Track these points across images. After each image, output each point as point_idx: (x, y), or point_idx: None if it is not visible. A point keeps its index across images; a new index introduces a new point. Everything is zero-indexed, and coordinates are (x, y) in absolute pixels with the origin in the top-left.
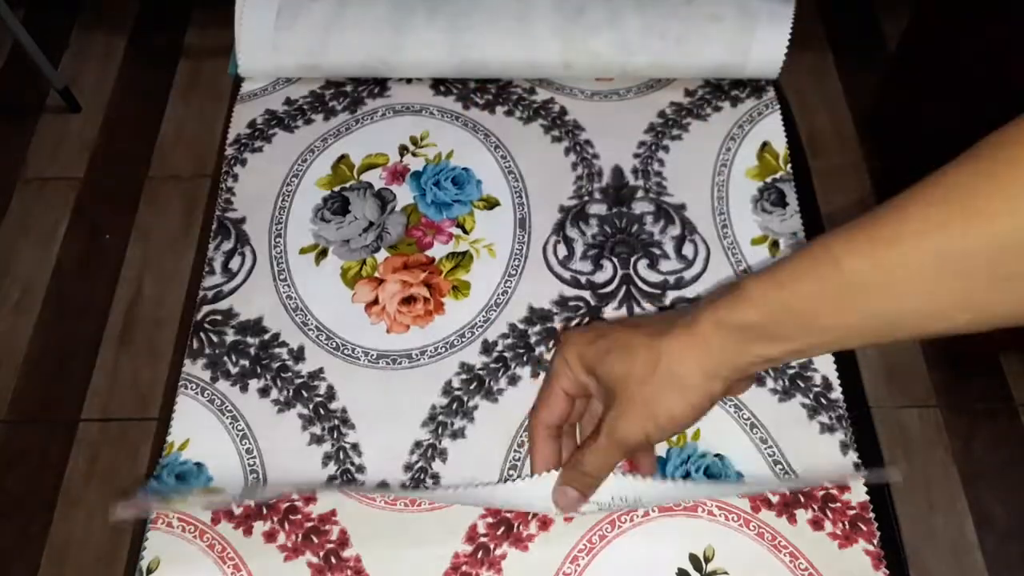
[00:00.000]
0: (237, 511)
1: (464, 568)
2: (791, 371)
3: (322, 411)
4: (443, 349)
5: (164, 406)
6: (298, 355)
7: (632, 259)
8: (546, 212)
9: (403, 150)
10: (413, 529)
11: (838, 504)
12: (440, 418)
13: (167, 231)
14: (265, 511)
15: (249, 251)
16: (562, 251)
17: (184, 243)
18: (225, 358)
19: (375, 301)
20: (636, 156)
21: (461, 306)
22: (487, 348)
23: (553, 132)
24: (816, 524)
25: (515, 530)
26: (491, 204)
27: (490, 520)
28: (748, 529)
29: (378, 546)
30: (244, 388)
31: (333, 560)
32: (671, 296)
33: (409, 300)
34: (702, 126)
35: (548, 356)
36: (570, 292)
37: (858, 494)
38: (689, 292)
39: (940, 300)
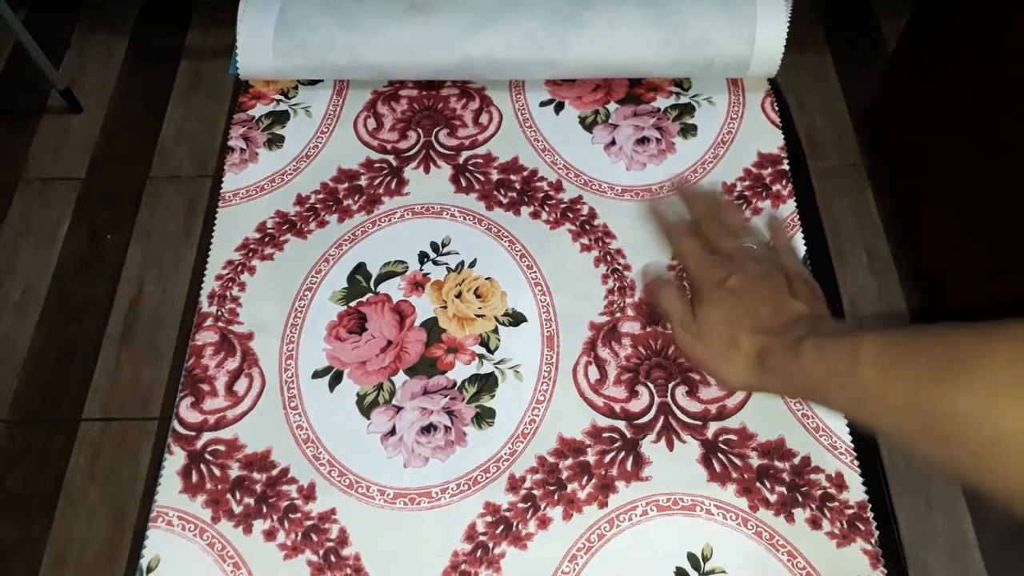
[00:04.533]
0: (237, 510)
1: (463, 567)
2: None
3: (333, 558)
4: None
5: (165, 405)
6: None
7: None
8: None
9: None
10: (412, 528)
11: (836, 503)
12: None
13: (168, 231)
14: (265, 510)
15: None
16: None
17: (185, 243)
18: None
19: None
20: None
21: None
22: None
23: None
24: (814, 523)
25: (514, 529)
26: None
27: (489, 519)
28: (746, 528)
29: (377, 545)
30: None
31: (332, 559)
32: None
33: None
34: None
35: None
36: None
37: (856, 493)
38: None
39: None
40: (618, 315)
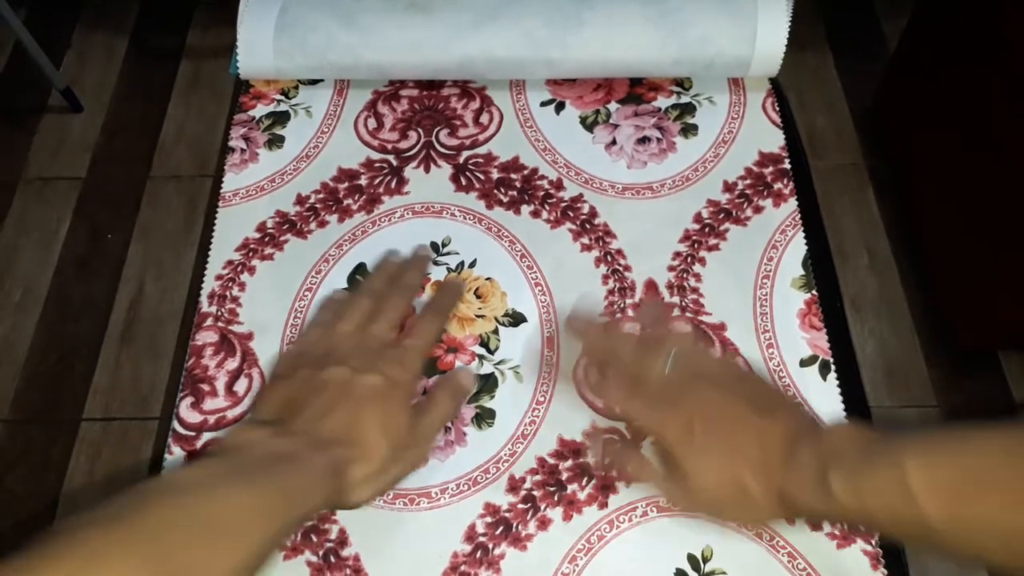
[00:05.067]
0: None
1: (463, 568)
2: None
3: (333, 559)
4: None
5: (166, 405)
6: None
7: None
8: None
9: None
10: (412, 528)
11: None
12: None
13: (168, 230)
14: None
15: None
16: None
17: (185, 242)
18: None
19: None
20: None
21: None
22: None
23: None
24: (814, 524)
25: (514, 530)
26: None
27: (489, 520)
28: (746, 529)
29: (377, 545)
30: None
31: (332, 559)
32: None
33: None
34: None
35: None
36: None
37: None
38: None
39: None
40: (618, 316)
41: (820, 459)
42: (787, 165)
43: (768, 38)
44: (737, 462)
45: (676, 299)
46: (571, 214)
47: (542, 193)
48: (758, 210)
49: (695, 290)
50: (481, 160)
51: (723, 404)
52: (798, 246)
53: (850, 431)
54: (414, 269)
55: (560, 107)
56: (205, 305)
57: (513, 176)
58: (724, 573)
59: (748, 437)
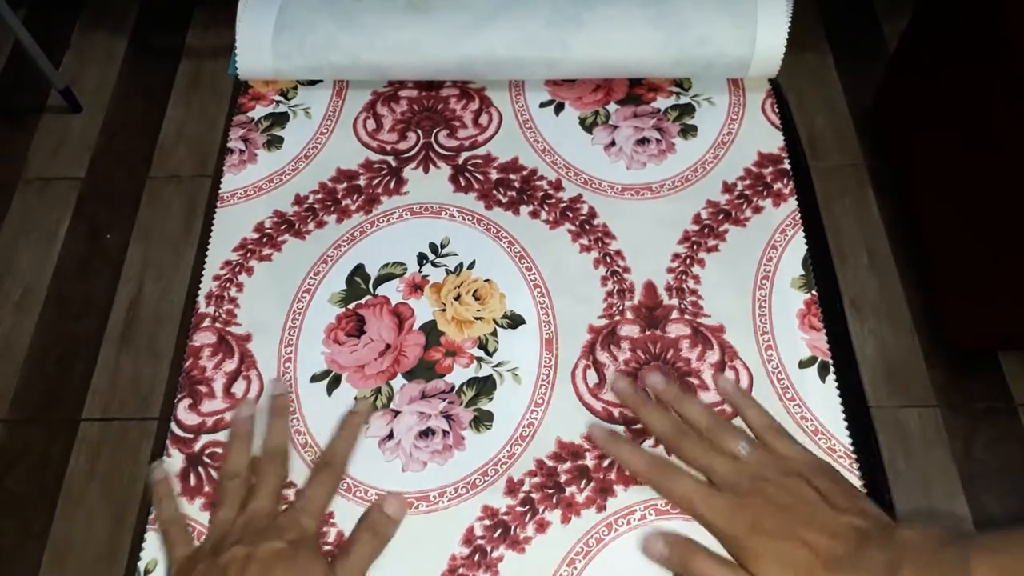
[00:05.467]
0: None
1: (461, 570)
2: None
3: (331, 561)
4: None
5: (165, 405)
6: None
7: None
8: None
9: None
10: (410, 531)
11: None
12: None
13: (168, 231)
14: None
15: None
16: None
17: (185, 243)
18: None
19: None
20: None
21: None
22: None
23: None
24: None
25: (512, 532)
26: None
27: (487, 523)
28: None
29: None
30: None
31: (330, 562)
32: None
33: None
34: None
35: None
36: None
37: None
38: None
39: None
40: (617, 318)
41: (892, 557)
42: (787, 165)
43: (768, 39)
44: (809, 559)
45: (675, 300)
46: (570, 215)
47: (541, 194)
48: (757, 211)
49: (694, 292)
50: (480, 161)
51: (795, 498)
52: (798, 246)
53: (924, 531)
54: (275, 429)
55: (559, 108)
56: (203, 306)
57: (512, 177)
58: None
59: (822, 533)
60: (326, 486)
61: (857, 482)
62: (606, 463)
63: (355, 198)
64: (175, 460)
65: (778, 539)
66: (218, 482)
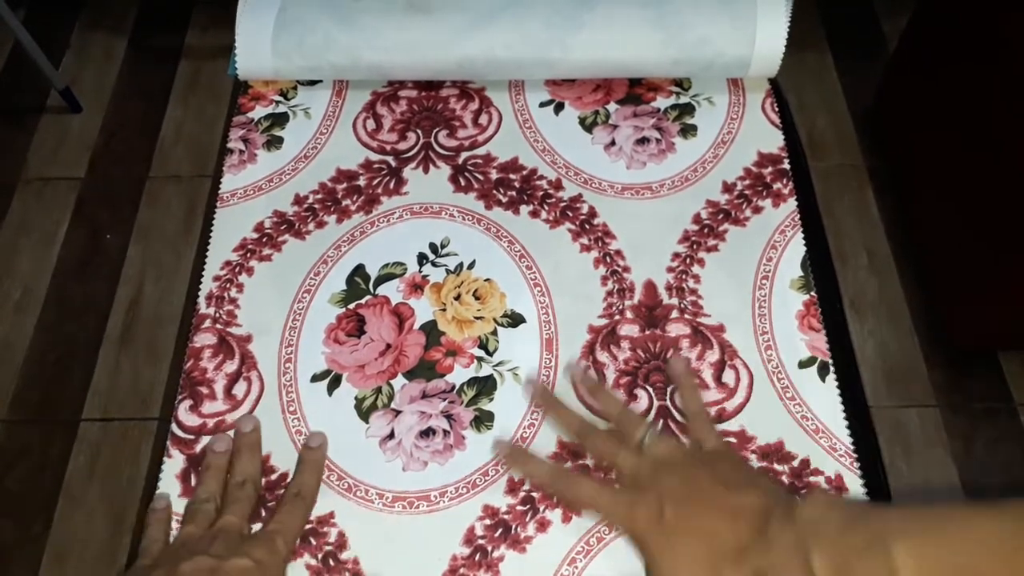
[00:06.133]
0: None
1: (462, 570)
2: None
3: (332, 562)
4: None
5: (165, 405)
6: None
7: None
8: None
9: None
10: (411, 531)
11: None
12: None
13: (168, 231)
14: (263, 513)
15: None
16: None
17: (185, 243)
18: None
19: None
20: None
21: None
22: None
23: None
24: None
25: (513, 532)
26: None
27: (488, 522)
28: None
29: (376, 548)
30: None
31: (331, 562)
32: None
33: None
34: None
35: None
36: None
37: (855, 494)
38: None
39: None
40: (617, 318)
41: (798, 536)
42: (786, 165)
43: (767, 38)
44: (712, 548)
45: (675, 300)
46: (570, 214)
47: (541, 193)
48: (757, 211)
49: (694, 291)
50: (480, 161)
51: (693, 486)
52: (797, 247)
53: (826, 504)
54: (246, 463)
55: (559, 108)
56: (203, 307)
57: (512, 176)
58: None
59: (721, 518)
60: (297, 516)
61: (857, 482)
62: (606, 462)
63: (355, 198)
64: (176, 461)
65: (679, 533)
66: (186, 507)
